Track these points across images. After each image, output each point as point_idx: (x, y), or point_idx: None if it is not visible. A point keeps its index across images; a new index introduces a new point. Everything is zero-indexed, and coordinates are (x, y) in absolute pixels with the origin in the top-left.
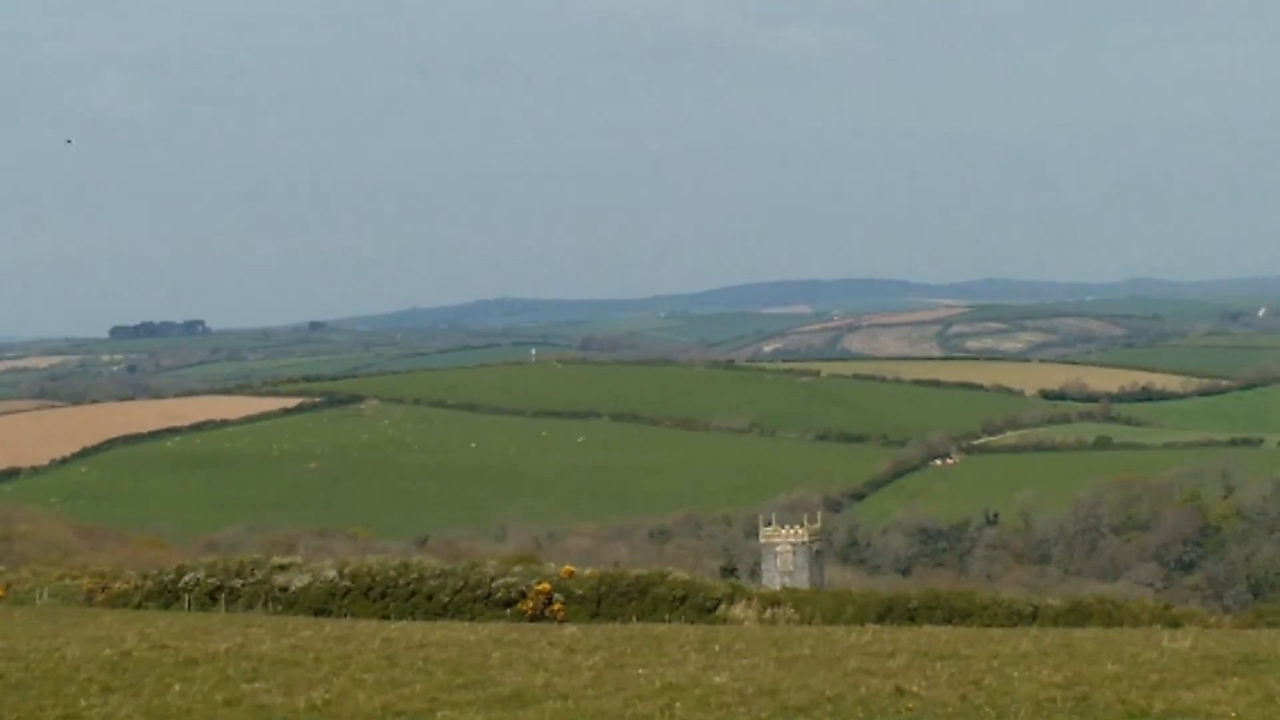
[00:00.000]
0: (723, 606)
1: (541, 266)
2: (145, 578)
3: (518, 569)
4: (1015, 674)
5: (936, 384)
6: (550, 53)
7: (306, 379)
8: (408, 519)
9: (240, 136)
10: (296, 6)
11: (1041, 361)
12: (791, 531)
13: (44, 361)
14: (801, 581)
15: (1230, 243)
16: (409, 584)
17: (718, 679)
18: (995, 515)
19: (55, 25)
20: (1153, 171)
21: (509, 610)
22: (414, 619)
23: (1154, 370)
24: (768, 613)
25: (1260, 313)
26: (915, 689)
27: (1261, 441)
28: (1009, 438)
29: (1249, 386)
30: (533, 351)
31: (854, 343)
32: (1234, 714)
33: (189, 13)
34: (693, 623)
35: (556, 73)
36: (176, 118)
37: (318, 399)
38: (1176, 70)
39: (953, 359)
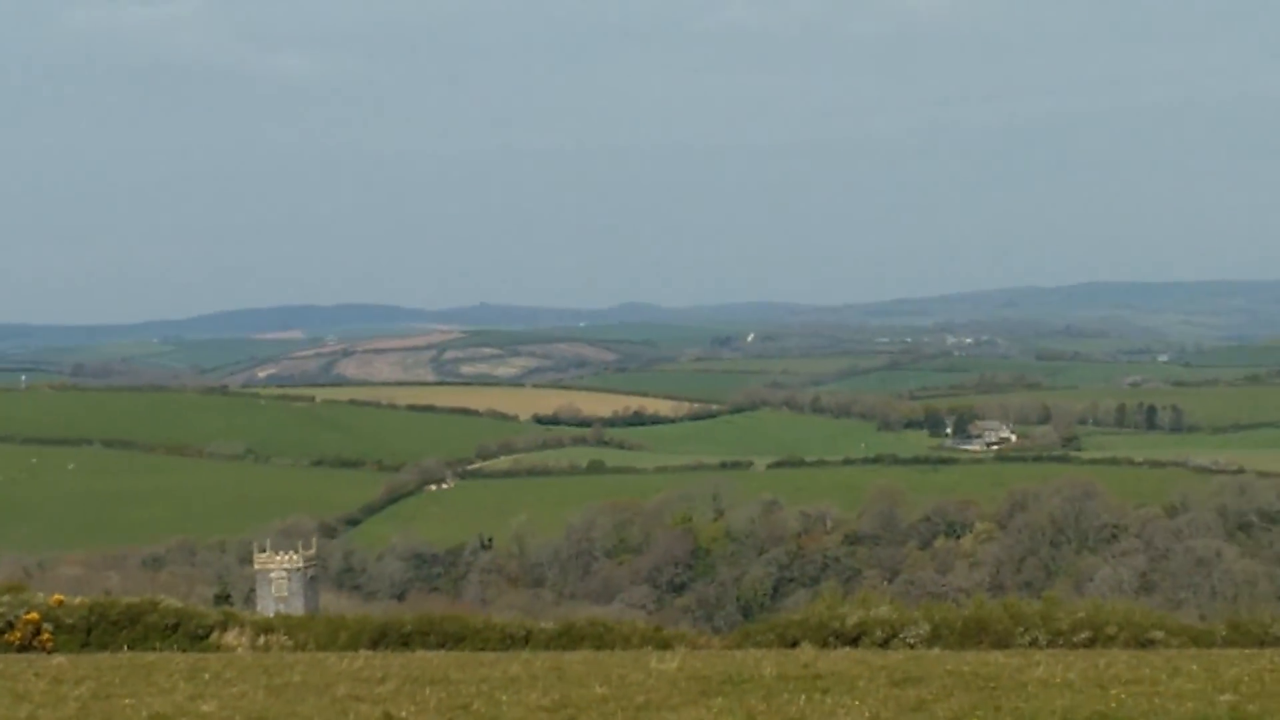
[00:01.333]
0: (215, 634)
1: (31, 291)
2: None
3: (5, 598)
4: (504, 698)
5: (431, 409)
6: (42, 73)
7: None
8: None
9: None
10: None
11: (535, 387)
12: (286, 558)
13: None
14: (296, 608)
15: (720, 269)
16: None
17: (205, 708)
18: (490, 539)
19: None
20: (644, 198)
21: None
22: None
23: (646, 395)
24: (260, 640)
25: (749, 338)
26: (404, 714)
27: (750, 464)
28: (503, 462)
29: (738, 410)
30: (23, 378)
31: (349, 368)
32: None
33: None
34: (184, 651)
35: (47, 93)
36: None
37: None
38: (671, 97)
39: (447, 384)
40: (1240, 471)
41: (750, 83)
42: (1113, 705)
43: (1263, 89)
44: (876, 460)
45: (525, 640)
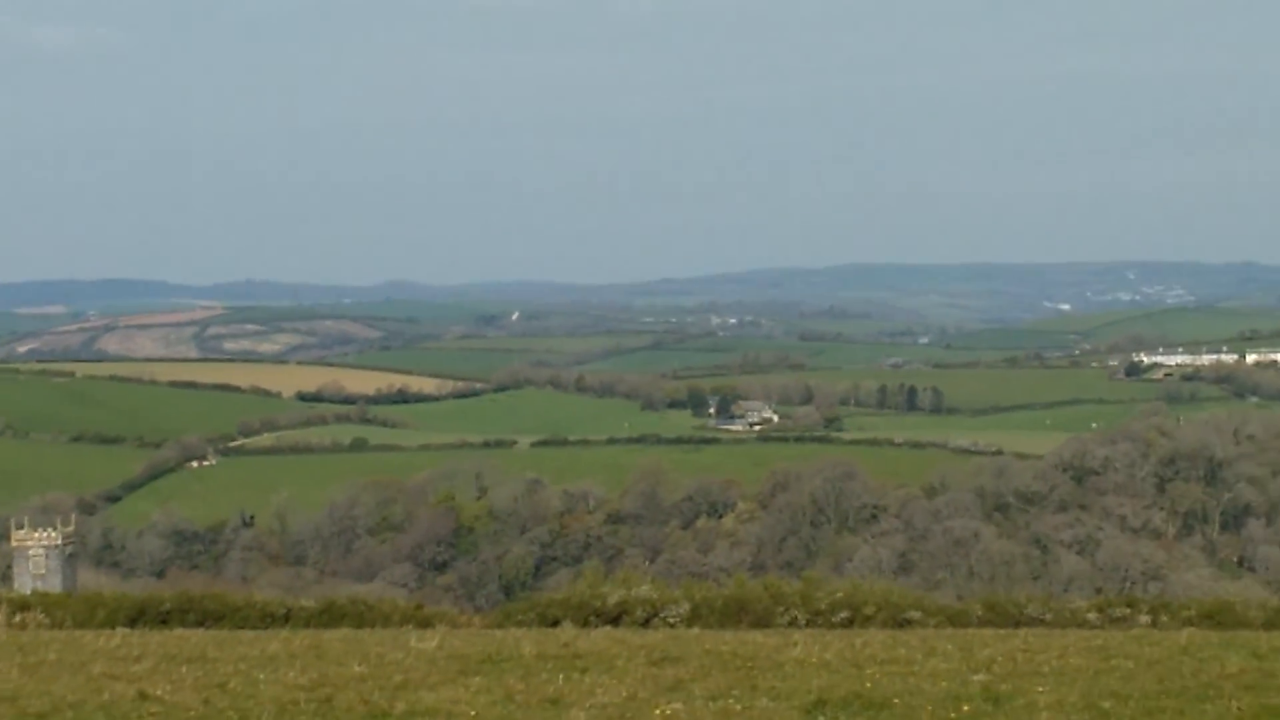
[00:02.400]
0: None
1: None
2: None
3: None
4: (261, 676)
5: (194, 385)
6: None
7: None
8: None
9: None
10: None
11: (299, 364)
12: (44, 535)
13: None
14: (54, 585)
15: (487, 248)
16: None
17: None
18: (251, 517)
19: None
20: (412, 176)
21: None
22: None
23: (410, 373)
24: (17, 618)
25: (513, 316)
26: (159, 693)
27: (514, 443)
28: (265, 439)
29: (502, 389)
30: None
31: (110, 344)
32: (473, 713)
33: None
34: None
35: None
36: None
37: None
38: (437, 75)
39: (210, 360)
40: (998, 453)
41: (518, 61)
42: (868, 685)
43: (1020, 74)
44: (640, 440)
45: (285, 618)
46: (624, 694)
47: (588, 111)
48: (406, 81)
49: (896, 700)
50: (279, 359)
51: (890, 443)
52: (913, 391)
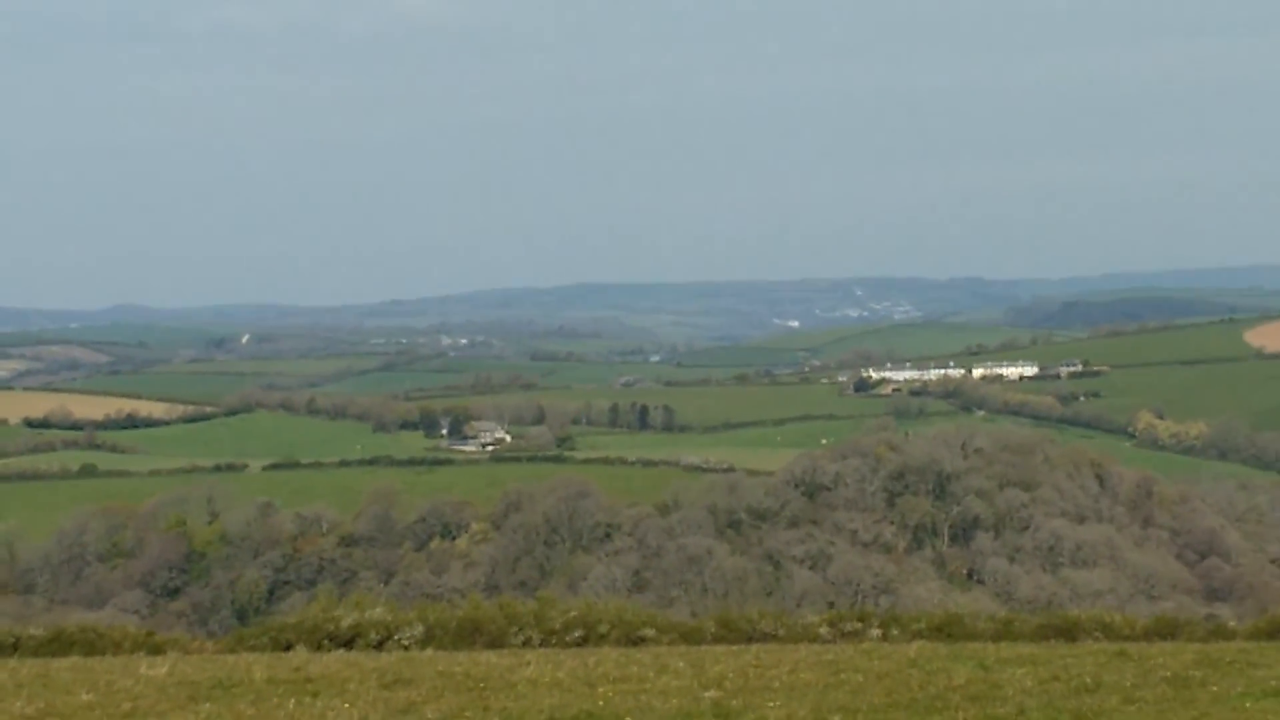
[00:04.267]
0: None
1: None
2: None
3: None
4: None
5: None
6: None
7: None
8: None
9: None
10: None
11: (25, 389)
12: None
13: None
14: None
15: (214, 270)
16: None
17: None
18: None
19: None
20: (138, 197)
21: None
22: None
23: (139, 397)
24: None
25: (244, 339)
26: None
27: (246, 466)
28: None
29: (233, 412)
30: None
31: None
32: None
33: None
34: None
35: None
36: None
37: None
38: (150, 99)
39: None
40: (730, 470)
41: (243, 83)
42: (600, 703)
43: (743, 92)
44: (373, 462)
45: (14, 648)
46: (356, 717)
47: (315, 133)
48: (126, 103)
49: (628, 718)
50: (4, 385)
51: (623, 461)
52: (644, 410)
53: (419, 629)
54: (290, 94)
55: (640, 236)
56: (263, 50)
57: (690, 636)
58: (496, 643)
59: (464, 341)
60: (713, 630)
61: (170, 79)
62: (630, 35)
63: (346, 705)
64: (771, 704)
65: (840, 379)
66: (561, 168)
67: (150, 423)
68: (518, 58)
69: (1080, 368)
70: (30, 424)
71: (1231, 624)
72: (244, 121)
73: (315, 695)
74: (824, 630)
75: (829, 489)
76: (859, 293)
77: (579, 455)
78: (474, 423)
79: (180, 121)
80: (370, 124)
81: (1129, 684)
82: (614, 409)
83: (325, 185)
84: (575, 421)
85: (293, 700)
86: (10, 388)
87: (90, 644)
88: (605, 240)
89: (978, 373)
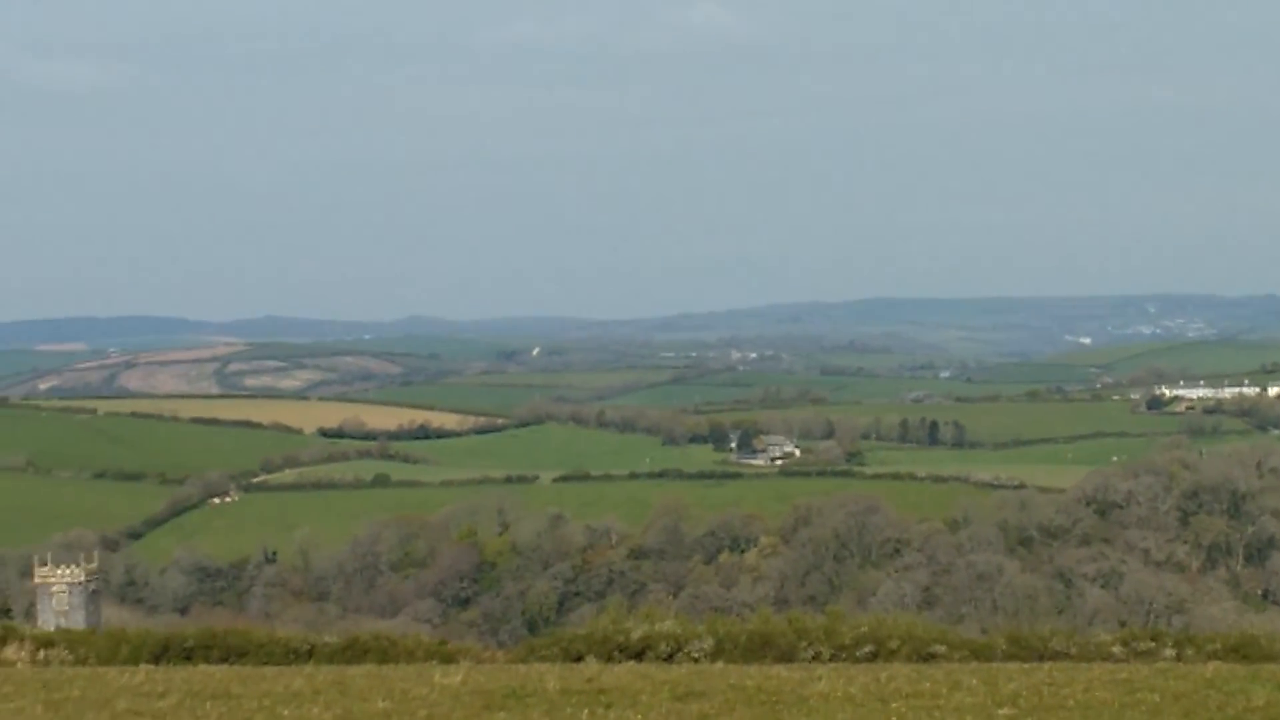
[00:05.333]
0: None
1: None
2: None
3: None
4: (285, 712)
5: (215, 422)
6: None
7: None
8: None
9: None
10: None
11: (320, 400)
12: (67, 571)
13: None
14: (78, 622)
15: (507, 284)
16: None
17: None
18: (274, 553)
19: None
20: (431, 211)
21: None
22: None
23: (431, 408)
24: (41, 654)
25: (534, 352)
26: None
27: (536, 478)
28: (287, 475)
29: (523, 424)
30: None
31: (131, 380)
32: None
33: None
34: None
35: None
36: None
37: None
38: (448, 111)
39: (231, 397)
40: (1020, 487)
41: (538, 97)
42: (893, 719)
43: (1037, 109)
44: (661, 475)
45: (309, 654)
46: None
47: (609, 146)
48: (425, 117)
49: None
50: (300, 395)
51: (912, 477)
52: (934, 425)
53: (709, 642)
54: (580, 108)
55: (929, 251)
56: (547, 66)
57: (981, 653)
58: (786, 657)
59: (753, 355)
60: (1004, 647)
61: (461, 95)
62: (915, 51)
63: (639, 717)
64: None
65: (1132, 396)
66: (851, 183)
67: (442, 433)
68: (802, 71)
69: None
70: (325, 434)
71: None
72: (533, 136)
73: (608, 706)
74: (1117, 649)
75: (1121, 507)
76: (1151, 309)
77: (868, 470)
78: (763, 436)
79: (471, 136)
80: (653, 137)
81: None
82: (903, 424)
83: (612, 199)
84: (864, 436)
85: (585, 711)
86: (305, 398)
87: (384, 652)
88: (896, 255)
89: (1273, 391)
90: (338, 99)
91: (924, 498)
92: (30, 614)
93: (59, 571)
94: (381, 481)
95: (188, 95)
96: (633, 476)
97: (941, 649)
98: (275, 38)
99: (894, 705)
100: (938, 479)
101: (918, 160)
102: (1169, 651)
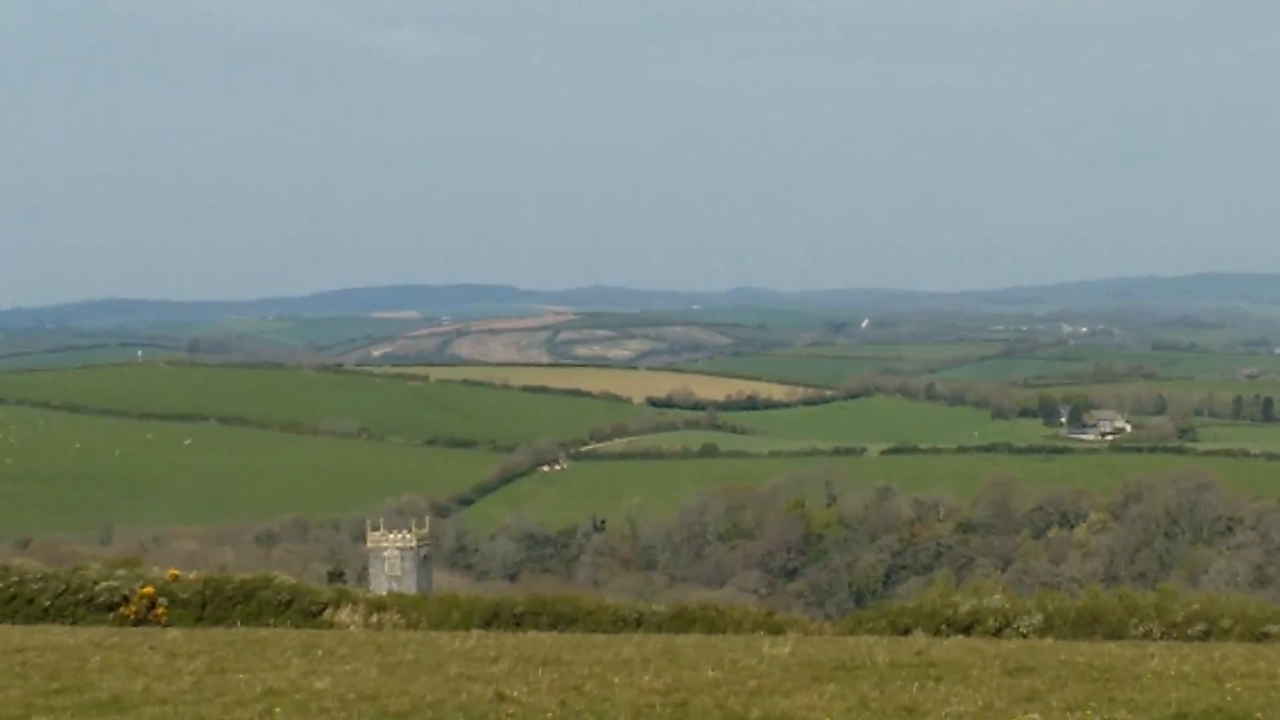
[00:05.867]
0: (328, 611)
1: (150, 266)
2: None
3: (121, 572)
4: (616, 680)
5: (545, 390)
6: (164, 46)
7: None
8: (10, 521)
9: None
10: None
11: (649, 369)
12: (399, 536)
13: None
14: (409, 586)
15: (836, 254)
16: (9, 587)
17: (319, 684)
18: (603, 521)
19: None
20: (762, 181)
21: (111, 614)
22: (13, 623)
23: (759, 379)
24: (374, 618)
25: (863, 324)
26: (516, 694)
27: (864, 450)
28: (616, 445)
29: (852, 396)
30: (139, 353)
31: (463, 348)
32: (828, 719)
33: None
34: (298, 628)
35: (165, 67)
36: None
37: None
38: (781, 81)
39: (561, 366)
40: None
41: (864, 69)
42: (1228, 699)
43: None
44: (990, 449)
45: (637, 623)
46: (979, 703)
47: (934, 119)
48: (750, 89)
49: (1259, 715)
50: (629, 365)
51: (1246, 454)
52: (1269, 402)
53: (1038, 617)
54: (900, 80)
55: (1267, 224)
56: (872, 38)
57: None
58: (1116, 634)
59: (1084, 330)
60: None
61: (790, 67)
62: (1252, 23)
63: (969, 691)
64: None
65: None
66: (1181, 155)
67: (770, 404)
68: (1130, 44)
69: None
70: (653, 403)
71: None
72: (857, 108)
73: (938, 680)
74: None
75: None
76: None
77: (1200, 447)
78: (1093, 411)
79: (795, 107)
80: (979, 110)
81: None
82: (1237, 401)
83: (941, 172)
84: (1196, 413)
85: (915, 684)
86: (635, 367)
87: (711, 621)
88: (1230, 228)
89: None
90: (669, 69)
91: (1258, 475)
92: (363, 578)
93: (391, 536)
94: (709, 452)
95: (525, 66)
96: (961, 450)
97: (1275, 629)
98: (614, 10)
99: (1229, 685)
100: (1272, 456)
101: (1252, 132)
102: None
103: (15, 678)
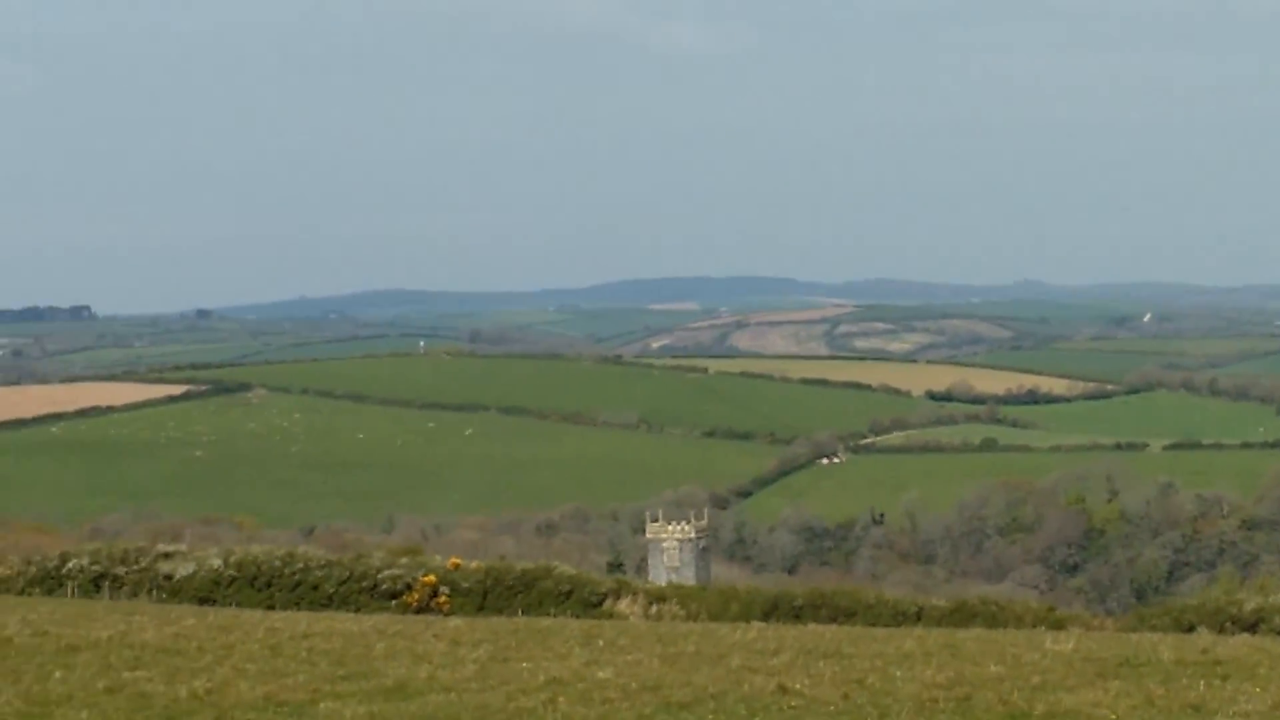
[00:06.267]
0: (608, 601)
1: (431, 257)
2: (28, 563)
3: (404, 560)
4: (898, 673)
5: (824, 383)
6: (435, 43)
7: (194, 366)
8: (294, 509)
9: (123, 118)
10: None
11: (929, 362)
12: (678, 528)
13: None
14: (688, 578)
15: (1117, 247)
16: (294, 574)
17: (601, 674)
18: (881, 515)
19: None
20: (1041, 174)
21: (394, 602)
22: (299, 609)
23: (1040, 373)
24: (653, 608)
25: (1146, 318)
26: (798, 687)
27: (1146, 446)
28: (895, 438)
29: (1134, 391)
30: (421, 343)
31: (742, 340)
32: (1114, 716)
33: None
34: (578, 617)
35: (438, 64)
36: (60, 96)
37: (204, 387)
38: (1063, 74)
39: (840, 358)
40: None
41: (1151, 61)
42: None
43: None
44: (1275, 445)
45: (917, 616)
46: (1269, 703)
47: (1214, 111)
48: (1032, 82)
49: None
50: (908, 358)
51: None
52: None
53: None
54: (1167, 73)
55: None
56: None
57: None
58: None
59: None
60: None
61: (1067, 61)
62: None
63: (1258, 690)
64: None
65: None
66: None
67: (1051, 399)
68: None
69: None
70: (932, 397)
71: None
72: (1137, 103)
73: (1224, 679)
74: None
75: None
76: None
77: None
78: None
79: (1068, 99)
80: (1251, 103)
81: None
82: None
83: (1214, 167)
84: None
85: (1202, 682)
86: (914, 360)
87: (992, 616)
88: None
89: None
90: (952, 59)
91: None
92: (641, 569)
93: (670, 528)
94: (989, 446)
95: (802, 58)
96: (1245, 446)
97: None
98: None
99: None
100: None
101: None
102: None
103: (302, 664)
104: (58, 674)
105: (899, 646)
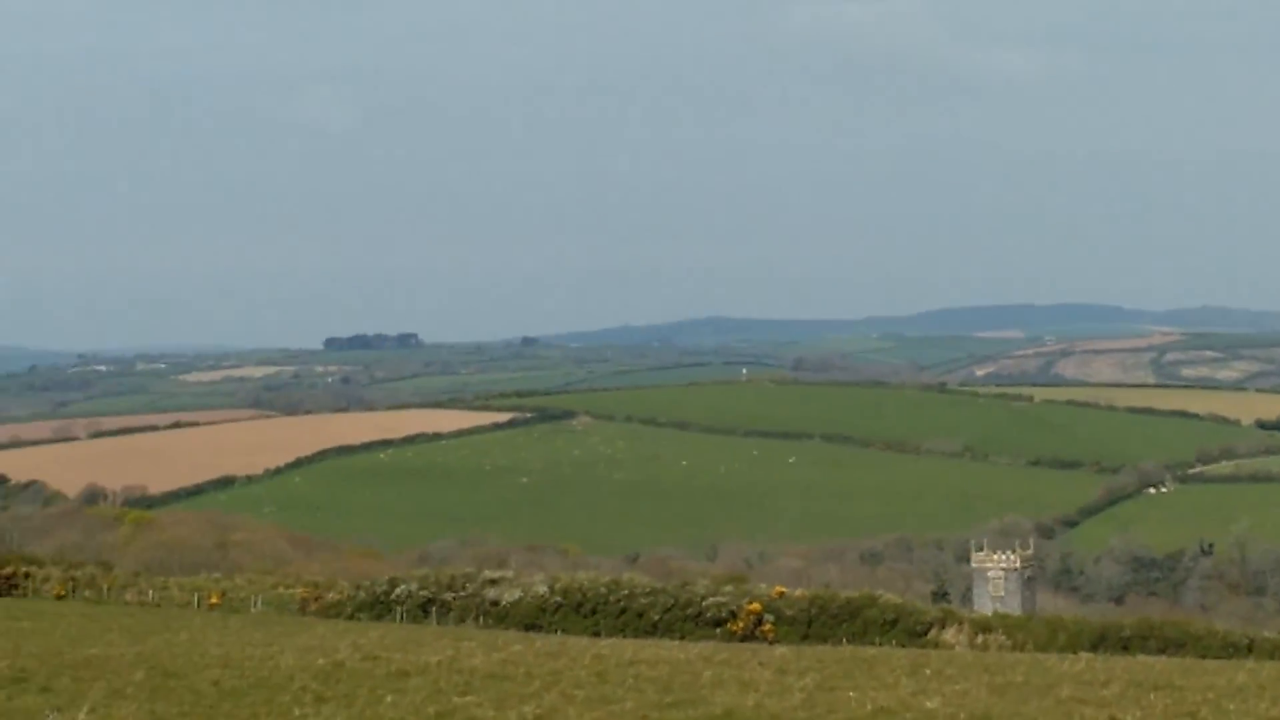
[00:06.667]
0: (934, 631)
1: (753, 285)
2: (358, 588)
3: (728, 588)
4: (1232, 706)
5: (1150, 411)
6: (757, 72)
7: (519, 394)
8: (618, 536)
9: (444, 152)
10: (484, 20)
11: (1259, 391)
12: (1003, 557)
13: (259, 371)
14: (1013, 608)
15: None
16: (620, 601)
17: (929, 704)
18: (1210, 545)
19: (257, 39)
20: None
21: (719, 630)
22: (624, 636)
23: None
24: (979, 638)
25: None
26: (1130, 719)
27: None
28: (1224, 467)
29: None
30: (744, 371)
31: (1067, 368)
32: None
33: (382, 25)
34: (903, 646)
35: (763, 91)
36: (379, 131)
37: (530, 414)
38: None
39: (1167, 387)
40: None
41: None
42: None
43: None
44: None
45: (1248, 649)
46: None
47: None
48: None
49: None
50: (1237, 386)
51: None
52: None
53: None
54: None
55: None
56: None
57: None
58: None
59: None
60: None
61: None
62: None
63: None
64: None
65: None
66: None
67: None
68: None
69: None
70: (1262, 425)
71: None
72: None
73: None
74: None
75: None
76: None
77: None
78: None
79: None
80: None
81: None
82: None
83: None
84: None
85: None
86: (1243, 389)
87: None
88: None
89: None
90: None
91: None
92: (966, 598)
93: (995, 557)
94: None
95: (1129, 83)
96: None
97: None
98: (1222, 28)
99: None
100: None
101: None
102: None
103: (630, 690)
104: (389, 698)
105: (1231, 679)
